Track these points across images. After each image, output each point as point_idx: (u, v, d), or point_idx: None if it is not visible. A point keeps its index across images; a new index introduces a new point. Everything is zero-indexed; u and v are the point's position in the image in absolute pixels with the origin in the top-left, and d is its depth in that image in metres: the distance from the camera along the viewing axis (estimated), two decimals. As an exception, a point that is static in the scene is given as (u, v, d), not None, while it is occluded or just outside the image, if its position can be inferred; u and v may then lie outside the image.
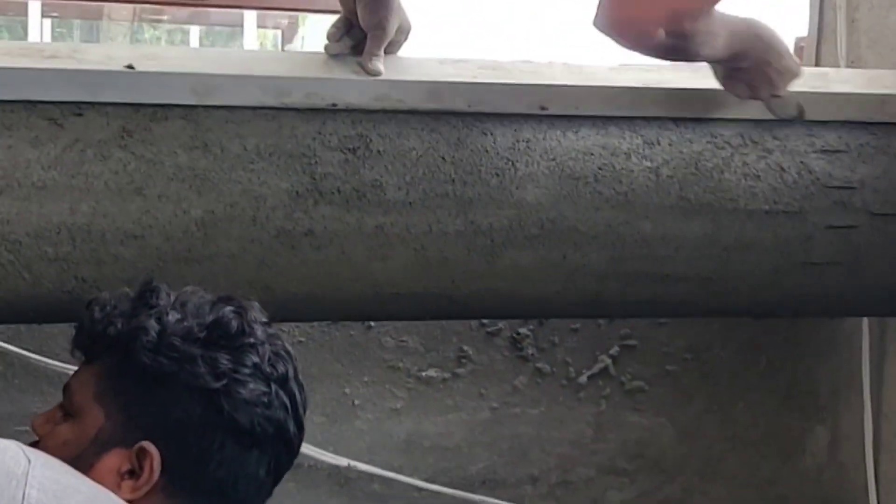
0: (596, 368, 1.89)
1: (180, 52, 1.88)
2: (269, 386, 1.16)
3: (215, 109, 1.36)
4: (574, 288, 1.48)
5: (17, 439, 1.04)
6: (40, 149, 1.30)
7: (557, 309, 1.57)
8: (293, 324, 1.73)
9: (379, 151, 1.39)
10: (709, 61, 1.44)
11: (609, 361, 1.89)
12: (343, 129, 1.39)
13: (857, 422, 1.89)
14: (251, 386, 1.14)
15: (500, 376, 1.86)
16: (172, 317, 1.15)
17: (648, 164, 1.47)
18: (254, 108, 1.37)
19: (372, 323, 1.79)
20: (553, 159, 1.44)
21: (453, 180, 1.41)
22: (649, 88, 1.49)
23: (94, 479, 1.08)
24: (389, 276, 1.42)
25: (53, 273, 1.32)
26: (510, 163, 1.43)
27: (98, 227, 1.32)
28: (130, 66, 1.34)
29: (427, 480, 1.83)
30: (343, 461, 1.79)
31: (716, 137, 1.50)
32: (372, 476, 1.81)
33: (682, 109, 1.50)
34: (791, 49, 1.58)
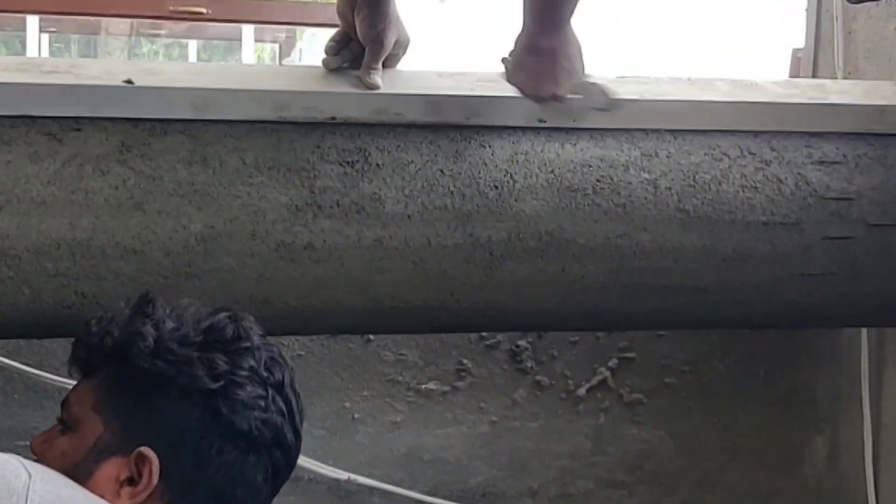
0: (595, 381, 1.89)
1: (179, 66, 1.88)
2: (265, 390, 1.16)
3: (214, 124, 1.37)
4: (573, 300, 1.48)
5: (18, 454, 1.04)
6: (39, 164, 1.31)
7: (556, 321, 1.57)
8: (292, 337, 1.73)
9: (378, 165, 1.40)
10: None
11: (608, 374, 1.89)
12: (342, 143, 1.39)
13: (856, 432, 1.89)
14: (248, 388, 1.14)
15: (499, 389, 1.86)
16: (169, 324, 1.15)
17: (647, 176, 1.47)
18: (252, 123, 1.37)
19: (371, 336, 1.79)
20: (551, 172, 1.44)
21: (452, 193, 1.41)
22: (647, 101, 1.49)
23: (93, 487, 1.08)
24: (388, 289, 1.42)
25: (53, 288, 1.32)
26: (509, 175, 1.43)
27: (98, 242, 1.32)
28: (129, 81, 1.35)
29: (427, 493, 1.84)
30: (343, 474, 1.79)
31: (713, 149, 1.50)
32: (372, 489, 1.81)
33: (679, 121, 1.50)
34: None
